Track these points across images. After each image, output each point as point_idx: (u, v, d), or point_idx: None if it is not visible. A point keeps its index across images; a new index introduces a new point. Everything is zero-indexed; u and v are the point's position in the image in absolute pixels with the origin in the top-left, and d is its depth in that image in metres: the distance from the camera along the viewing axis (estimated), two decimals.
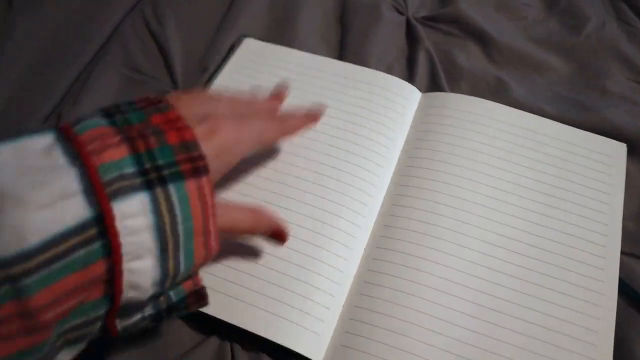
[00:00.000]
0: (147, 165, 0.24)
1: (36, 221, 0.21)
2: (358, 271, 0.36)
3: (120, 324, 0.26)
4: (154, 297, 0.26)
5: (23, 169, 0.22)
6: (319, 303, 0.34)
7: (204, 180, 0.25)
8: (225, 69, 0.46)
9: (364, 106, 0.43)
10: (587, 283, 0.35)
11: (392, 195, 0.40)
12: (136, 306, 0.26)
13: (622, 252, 0.37)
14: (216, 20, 0.51)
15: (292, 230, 0.37)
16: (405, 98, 0.44)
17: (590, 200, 0.39)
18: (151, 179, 0.24)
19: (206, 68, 0.47)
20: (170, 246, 0.25)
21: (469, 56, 0.49)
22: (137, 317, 0.27)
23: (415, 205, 0.38)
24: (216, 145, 0.28)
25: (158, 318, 0.28)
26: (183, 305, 0.28)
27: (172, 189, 0.24)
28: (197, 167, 0.25)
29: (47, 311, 0.22)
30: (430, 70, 0.48)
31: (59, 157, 0.23)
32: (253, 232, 0.33)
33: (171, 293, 0.27)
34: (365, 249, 0.37)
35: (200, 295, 0.29)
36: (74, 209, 0.22)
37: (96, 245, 0.22)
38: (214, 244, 0.27)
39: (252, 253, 0.36)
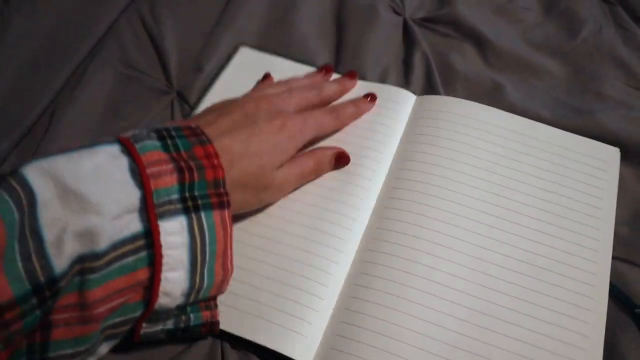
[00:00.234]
0: (187, 194, 0.29)
1: (108, 229, 0.26)
2: (349, 274, 0.36)
3: (143, 330, 0.30)
4: (177, 314, 0.31)
5: (99, 174, 0.27)
6: (309, 306, 0.34)
7: (226, 212, 0.30)
8: (221, 78, 0.46)
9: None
10: (579, 287, 0.35)
11: (384, 198, 0.40)
12: (163, 315, 0.30)
13: (615, 257, 0.37)
14: (213, 19, 0.51)
15: (281, 235, 0.37)
16: (398, 103, 0.44)
17: (583, 205, 0.39)
18: (189, 205, 0.29)
19: (201, 67, 0.47)
20: (199, 263, 0.29)
21: (466, 59, 0.49)
22: (159, 327, 0.31)
23: (408, 209, 0.38)
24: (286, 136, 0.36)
25: (173, 335, 0.32)
26: (197, 330, 0.32)
27: (203, 216, 0.29)
28: (222, 201, 0.30)
29: (100, 305, 0.27)
30: (426, 72, 0.48)
31: (125, 172, 0.28)
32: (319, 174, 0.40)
33: (192, 316, 0.32)
34: (356, 252, 0.37)
35: (213, 326, 0.33)
36: (132, 223, 0.27)
37: (143, 254, 0.28)
38: (230, 266, 0.31)
39: (241, 256, 0.36)
